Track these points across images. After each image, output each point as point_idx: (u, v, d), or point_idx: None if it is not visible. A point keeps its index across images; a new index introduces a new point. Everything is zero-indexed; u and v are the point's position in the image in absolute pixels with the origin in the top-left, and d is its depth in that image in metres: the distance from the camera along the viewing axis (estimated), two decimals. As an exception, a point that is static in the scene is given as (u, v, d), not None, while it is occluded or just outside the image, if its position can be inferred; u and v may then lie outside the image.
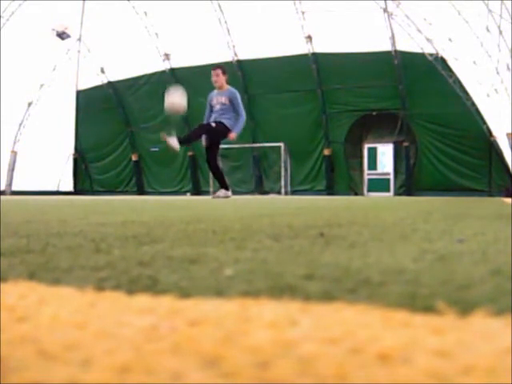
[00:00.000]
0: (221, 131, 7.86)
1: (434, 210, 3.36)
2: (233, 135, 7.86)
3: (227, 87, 8.15)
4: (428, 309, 0.54)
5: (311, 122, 16.69)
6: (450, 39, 13.82)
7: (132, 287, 0.68)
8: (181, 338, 0.44)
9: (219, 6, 16.21)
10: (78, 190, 19.36)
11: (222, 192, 7.94)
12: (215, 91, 8.12)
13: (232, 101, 7.97)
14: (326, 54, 15.73)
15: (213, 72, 8.09)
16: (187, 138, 8.11)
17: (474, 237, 1.35)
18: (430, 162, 15.52)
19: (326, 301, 0.58)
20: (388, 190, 16.33)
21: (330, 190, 16.39)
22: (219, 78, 8.05)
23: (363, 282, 0.69)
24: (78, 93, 19.15)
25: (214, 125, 7.82)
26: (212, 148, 7.96)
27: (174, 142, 7.53)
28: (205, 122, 8.12)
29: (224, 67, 8.31)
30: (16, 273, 0.80)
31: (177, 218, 2.41)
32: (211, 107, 8.15)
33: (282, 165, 16.95)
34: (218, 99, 7.98)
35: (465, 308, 0.54)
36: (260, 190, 17.38)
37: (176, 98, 7.58)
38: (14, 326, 0.49)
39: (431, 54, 14.39)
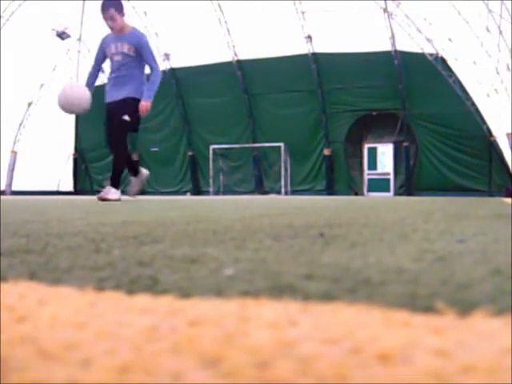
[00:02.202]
0: (134, 114, 5.72)
1: (434, 210, 3.36)
2: (145, 105, 5.59)
3: (129, 29, 5.67)
4: (428, 309, 0.54)
5: (311, 122, 16.70)
6: (450, 39, 13.83)
7: (132, 287, 0.68)
8: (181, 338, 0.44)
9: (219, 6, 16.21)
10: (78, 190, 19.36)
11: (111, 191, 5.68)
12: (111, 35, 5.71)
13: (139, 50, 5.57)
14: (326, 53, 15.74)
15: (104, 15, 5.56)
16: (120, 172, 5.94)
17: (474, 237, 1.35)
18: (430, 162, 15.52)
19: (325, 301, 0.58)
20: (388, 190, 16.34)
21: (330, 190, 16.40)
22: (116, 23, 5.55)
23: (363, 282, 0.69)
24: (78, 93, 19.14)
25: (127, 118, 5.68)
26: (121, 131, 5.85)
27: (111, 193, 5.63)
28: (88, 82, 5.84)
29: (118, 3, 5.58)
30: (16, 273, 0.80)
31: (177, 217, 2.41)
32: (104, 59, 5.84)
33: (282, 165, 16.96)
34: (117, 47, 5.61)
35: (465, 308, 0.54)
36: (260, 189, 17.38)
37: (75, 90, 5.49)
38: (14, 326, 0.49)
39: (431, 54, 14.40)
